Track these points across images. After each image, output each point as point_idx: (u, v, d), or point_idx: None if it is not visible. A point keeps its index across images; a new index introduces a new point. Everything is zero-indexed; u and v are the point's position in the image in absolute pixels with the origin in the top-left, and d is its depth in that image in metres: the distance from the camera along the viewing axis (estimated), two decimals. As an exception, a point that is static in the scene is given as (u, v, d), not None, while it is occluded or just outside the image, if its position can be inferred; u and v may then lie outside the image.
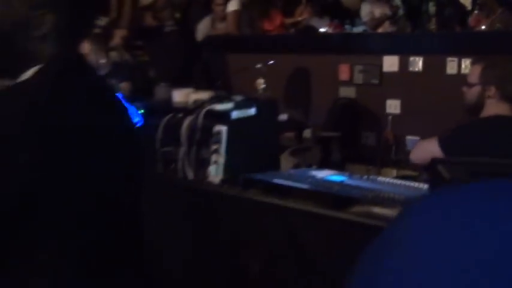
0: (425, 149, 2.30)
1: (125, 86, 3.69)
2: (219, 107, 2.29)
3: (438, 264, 0.46)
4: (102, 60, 3.89)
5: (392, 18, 6.07)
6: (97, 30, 5.46)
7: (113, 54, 4.39)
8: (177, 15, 6.17)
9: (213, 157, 2.19)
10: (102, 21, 5.62)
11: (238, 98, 2.39)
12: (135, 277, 1.11)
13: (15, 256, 0.98)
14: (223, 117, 2.24)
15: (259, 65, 3.13)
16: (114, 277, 1.05)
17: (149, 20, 6.19)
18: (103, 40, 4.24)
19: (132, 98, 3.09)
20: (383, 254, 0.50)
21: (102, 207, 1.04)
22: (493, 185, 0.50)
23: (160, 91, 3.78)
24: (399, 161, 3.49)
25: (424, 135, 2.86)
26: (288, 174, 2.25)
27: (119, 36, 4.83)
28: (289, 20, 6.22)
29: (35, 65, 1.03)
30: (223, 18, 5.78)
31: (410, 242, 0.49)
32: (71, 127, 1.00)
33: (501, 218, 0.45)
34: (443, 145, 2.18)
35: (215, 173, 2.18)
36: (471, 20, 6.41)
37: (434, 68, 3.63)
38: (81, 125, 1.01)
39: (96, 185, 1.03)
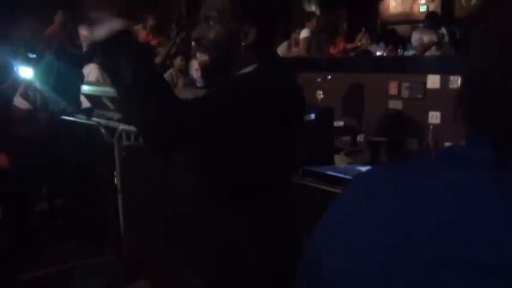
0: None
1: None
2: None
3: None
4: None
5: (438, 44, 5.85)
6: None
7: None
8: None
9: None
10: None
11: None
12: None
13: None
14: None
15: (319, 79, 3.14)
16: None
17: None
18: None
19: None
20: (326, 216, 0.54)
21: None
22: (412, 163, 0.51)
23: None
24: (439, 164, 3.37)
25: (460, 142, 2.76)
26: (337, 168, 2.25)
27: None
28: (350, 45, 6.16)
29: (247, 66, 1.14)
30: (297, 43, 5.82)
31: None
32: (281, 93, 1.11)
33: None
34: None
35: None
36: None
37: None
38: (283, 91, 1.12)
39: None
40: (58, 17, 5.76)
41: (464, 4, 10.84)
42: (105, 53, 0.95)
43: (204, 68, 1.18)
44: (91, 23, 0.94)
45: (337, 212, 0.52)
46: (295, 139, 1.21)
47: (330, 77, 3.31)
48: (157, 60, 5.21)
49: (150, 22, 5.81)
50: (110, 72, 0.97)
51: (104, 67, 1.07)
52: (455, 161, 0.47)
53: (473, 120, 0.47)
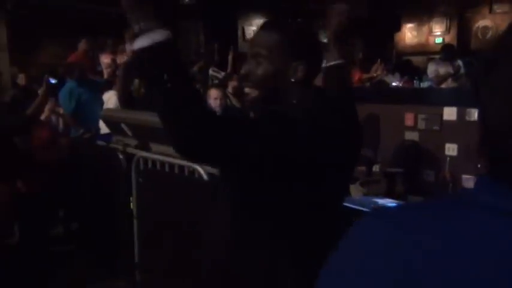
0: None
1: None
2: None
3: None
4: (222, 103, 4.09)
5: (455, 76, 5.85)
6: (216, 81, 5.77)
7: (227, 100, 4.61)
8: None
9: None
10: (221, 75, 5.92)
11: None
12: None
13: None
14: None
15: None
16: None
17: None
18: (223, 88, 4.46)
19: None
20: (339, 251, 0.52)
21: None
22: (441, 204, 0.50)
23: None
24: (455, 195, 3.32)
25: (477, 175, 2.72)
26: (355, 200, 2.24)
27: (231, 86, 5.06)
28: (366, 76, 6.18)
29: (292, 99, 1.19)
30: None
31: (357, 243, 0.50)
32: (325, 120, 1.16)
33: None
34: None
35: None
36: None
37: (488, 118, 3.45)
38: (328, 119, 1.18)
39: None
40: (82, 45, 5.93)
41: (480, 36, 10.88)
42: (148, 61, 1.01)
43: (252, 103, 1.23)
44: (136, 34, 1.02)
45: (350, 259, 0.50)
46: (350, 169, 1.30)
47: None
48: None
49: None
50: (150, 80, 1.04)
51: (142, 76, 1.12)
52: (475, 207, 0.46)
53: (496, 165, 0.47)
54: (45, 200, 3.23)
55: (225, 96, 4.29)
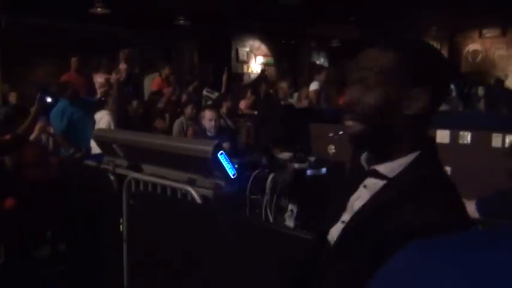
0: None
1: (225, 145, 3.81)
2: (297, 165, 2.31)
3: None
4: (216, 124, 4.07)
5: (447, 98, 5.89)
6: (210, 102, 5.77)
7: (221, 121, 4.59)
8: (271, 90, 6.36)
9: (290, 206, 2.20)
10: (215, 95, 5.92)
11: (313, 159, 2.40)
12: None
13: None
14: (299, 174, 2.25)
15: (331, 134, 3.15)
16: None
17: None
18: (217, 109, 4.43)
19: (232, 155, 3.19)
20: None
21: None
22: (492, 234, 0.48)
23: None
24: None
25: (471, 198, 2.70)
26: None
27: (225, 106, 5.05)
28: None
29: (407, 149, 0.91)
30: (307, 96, 5.90)
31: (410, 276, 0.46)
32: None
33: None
34: (479, 207, 2.05)
35: (289, 220, 2.18)
36: (516, 102, 6.05)
37: (481, 141, 3.45)
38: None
39: None
40: (73, 63, 5.91)
41: (470, 60, 11.05)
42: None
43: (355, 138, 0.95)
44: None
45: None
46: None
47: (342, 132, 3.34)
48: (160, 105, 5.29)
49: (166, 71, 6.00)
50: None
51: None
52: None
53: None
54: (32, 220, 3.15)
55: (219, 117, 4.27)
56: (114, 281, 2.77)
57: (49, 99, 3.44)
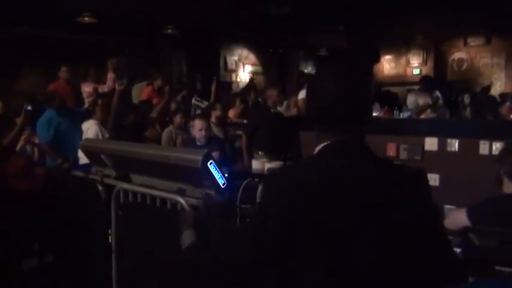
0: (456, 218, 2.18)
1: (215, 154, 3.79)
2: (287, 174, 2.30)
3: None
4: (206, 134, 4.05)
5: (433, 106, 5.96)
6: (199, 110, 5.75)
7: (211, 131, 4.57)
8: (260, 98, 6.37)
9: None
10: (204, 104, 5.91)
11: (303, 168, 2.39)
12: None
13: None
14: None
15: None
16: None
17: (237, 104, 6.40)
18: (207, 119, 4.40)
19: (221, 164, 3.17)
20: None
21: None
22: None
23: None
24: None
25: (460, 205, 2.71)
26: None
27: (214, 115, 5.03)
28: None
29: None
30: (296, 104, 5.92)
31: None
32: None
33: None
34: (470, 215, 2.06)
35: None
36: (502, 110, 6.15)
37: (468, 149, 3.48)
38: None
39: None
40: (62, 73, 5.86)
41: (455, 68, 11.20)
42: None
43: None
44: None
45: None
46: None
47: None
48: (153, 115, 5.27)
49: (158, 83, 5.97)
50: None
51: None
52: None
53: None
54: (19, 232, 3.09)
55: (209, 126, 4.25)
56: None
57: (29, 107, 3.40)
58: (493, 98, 7.70)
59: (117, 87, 4.46)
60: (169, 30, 8.77)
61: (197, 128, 4.03)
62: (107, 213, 2.68)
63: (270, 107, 4.94)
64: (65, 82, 5.79)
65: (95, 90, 5.01)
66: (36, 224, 3.29)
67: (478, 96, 7.32)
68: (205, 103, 5.83)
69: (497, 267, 1.47)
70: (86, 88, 5.76)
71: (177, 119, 5.09)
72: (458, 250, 1.84)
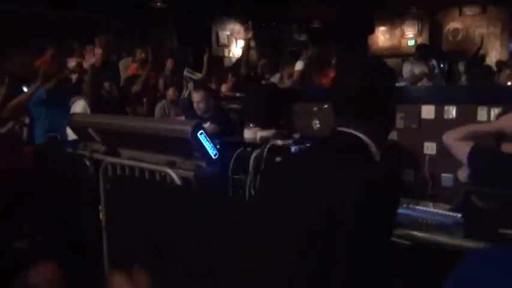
0: (458, 148, 2.10)
1: (212, 127, 3.67)
2: (281, 142, 2.22)
3: None
4: (205, 105, 3.93)
5: (430, 75, 5.86)
6: (191, 82, 5.60)
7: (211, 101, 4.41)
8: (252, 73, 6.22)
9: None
10: (196, 76, 5.76)
11: (297, 135, 2.31)
12: None
13: None
14: (283, 151, 2.16)
15: (315, 108, 3.07)
16: None
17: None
18: (204, 89, 4.23)
19: (216, 136, 3.07)
20: None
21: None
22: None
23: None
24: (435, 195, 3.27)
25: (456, 173, 2.66)
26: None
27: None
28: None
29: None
30: (290, 75, 5.79)
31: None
32: None
33: None
34: (469, 157, 2.00)
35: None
36: (501, 76, 6.04)
37: (466, 115, 3.40)
38: None
39: None
40: (49, 52, 5.71)
41: (451, 38, 11.04)
42: None
43: None
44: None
45: None
46: None
47: (326, 105, 3.25)
48: (136, 88, 5.10)
49: (139, 56, 5.79)
50: None
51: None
52: None
53: None
54: (8, 212, 3.01)
55: (207, 97, 4.07)
56: (95, 269, 2.66)
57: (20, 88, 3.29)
58: (488, 66, 7.62)
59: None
60: (158, 4, 8.54)
61: (196, 100, 3.92)
62: (97, 189, 2.59)
63: (262, 78, 4.82)
64: (51, 59, 5.63)
65: (78, 65, 4.85)
66: (25, 203, 3.22)
67: (473, 64, 7.24)
68: (198, 75, 5.68)
69: (501, 230, 1.41)
70: (72, 63, 5.62)
71: (170, 93, 4.96)
72: (458, 215, 1.78)
